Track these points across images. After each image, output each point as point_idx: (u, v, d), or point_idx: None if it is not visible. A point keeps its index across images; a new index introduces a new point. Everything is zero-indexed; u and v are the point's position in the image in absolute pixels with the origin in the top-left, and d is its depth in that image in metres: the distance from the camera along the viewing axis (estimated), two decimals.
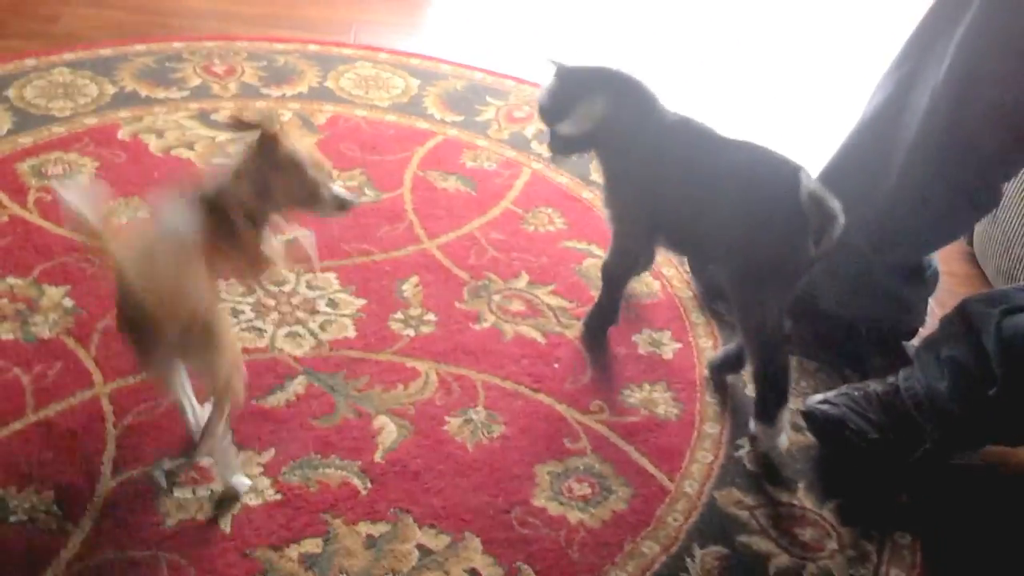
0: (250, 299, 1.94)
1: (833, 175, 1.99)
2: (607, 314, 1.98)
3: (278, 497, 1.60)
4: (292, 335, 1.89)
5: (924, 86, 1.91)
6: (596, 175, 2.43)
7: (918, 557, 1.66)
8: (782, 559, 1.63)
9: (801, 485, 1.76)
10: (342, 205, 1.62)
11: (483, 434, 1.76)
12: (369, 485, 1.64)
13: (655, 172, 1.77)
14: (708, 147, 1.76)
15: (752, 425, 1.81)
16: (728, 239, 1.71)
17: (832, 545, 1.66)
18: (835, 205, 1.61)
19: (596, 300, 1.99)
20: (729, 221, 1.69)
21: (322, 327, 1.91)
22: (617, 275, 1.95)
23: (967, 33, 1.83)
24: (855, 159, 2.02)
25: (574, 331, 2.00)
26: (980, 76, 1.82)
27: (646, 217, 1.83)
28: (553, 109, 1.82)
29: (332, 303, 1.97)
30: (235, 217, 1.51)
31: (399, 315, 1.97)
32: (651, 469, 1.74)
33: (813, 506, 1.72)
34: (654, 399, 1.87)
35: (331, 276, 2.03)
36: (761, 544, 1.64)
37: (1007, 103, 1.82)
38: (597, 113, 1.76)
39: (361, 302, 1.98)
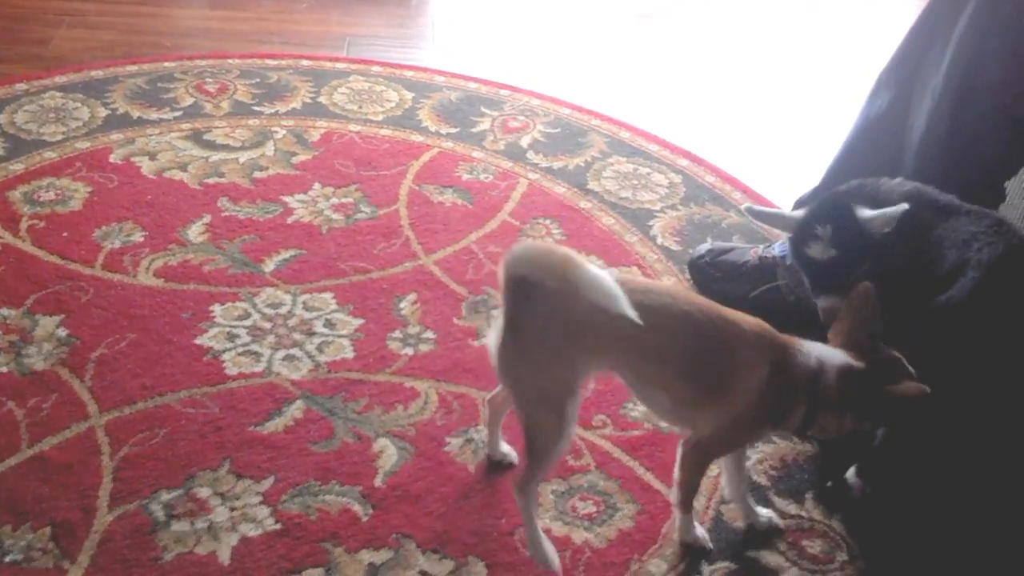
0: (246, 322, 1.92)
1: (838, 176, 1.96)
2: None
3: (277, 527, 1.57)
4: (289, 358, 1.86)
5: (924, 87, 1.89)
6: (593, 183, 2.41)
7: (931, 564, 1.63)
8: (791, 573, 1.59)
9: (809, 496, 1.73)
10: None
11: (485, 454, 1.73)
12: (370, 511, 1.61)
13: None
14: None
15: (851, 475, 1.73)
16: None
17: (842, 556, 1.63)
18: None
19: None
20: None
21: (320, 349, 1.89)
22: None
23: (964, 32, 1.80)
24: (861, 159, 1.99)
25: None
26: (979, 75, 1.79)
27: None
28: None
29: (329, 324, 1.95)
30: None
31: (397, 334, 1.94)
32: (657, 485, 1.71)
33: (822, 517, 1.69)
34: None
35: (328, 296, 2.01)
36: (770, 558, 1.61)
37: (1007, 100, 1.79)
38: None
39: (359, 322, 1.96)
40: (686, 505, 1.59)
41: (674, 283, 1.47)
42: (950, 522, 1.69)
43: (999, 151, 1.84)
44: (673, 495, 1.59)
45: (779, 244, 2.12)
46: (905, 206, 1.65)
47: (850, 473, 1.71)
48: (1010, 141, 1.83)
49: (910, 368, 1.43)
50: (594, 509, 1.66)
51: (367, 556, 1.54)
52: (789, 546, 1.63)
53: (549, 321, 1.42)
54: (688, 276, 2.16)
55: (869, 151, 2.01)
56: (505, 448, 1.71)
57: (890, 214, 1.66)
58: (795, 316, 1.93)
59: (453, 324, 1.99)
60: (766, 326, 1.49)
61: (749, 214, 1.86)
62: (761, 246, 2.15)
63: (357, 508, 1.61)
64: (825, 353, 1.47)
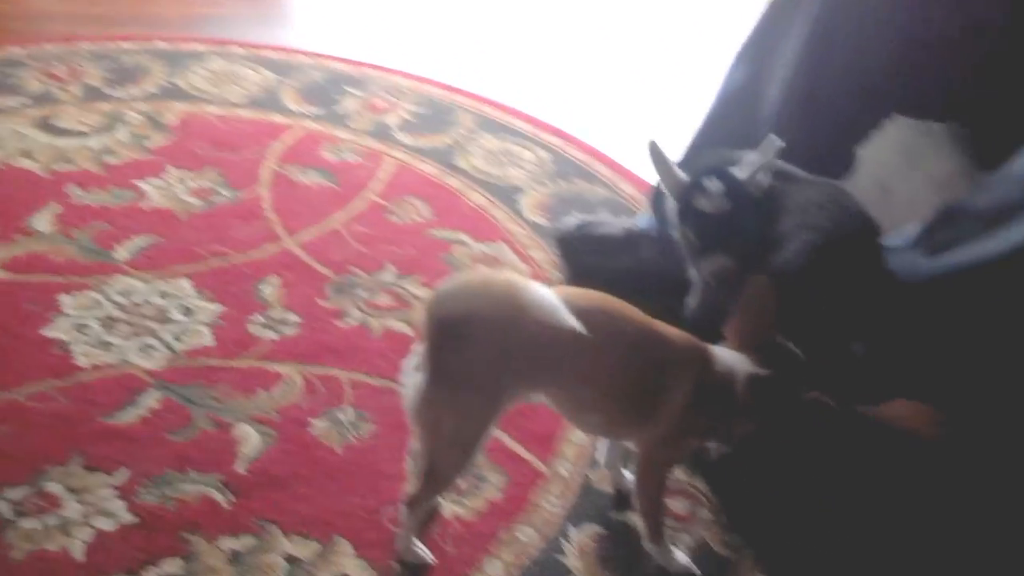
0: (98, 312, 1.85)
1: (701, 148, 1.99)
2: None
3: (134, 520, 1.52)
4: (144, 347, 1.80)
5: (782, 58, 1.92)
6: (461, 161, 2.40)
7: (794, 519, 1.68)
8: None
9: None
10: None
11: (352, 434, 1.70)
12: (231, 498, 1.57)
13: None
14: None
15: None
16: None
17: (705, 514, 1.66)
18: None
19: None
20: None
21: (177, 337, 1.83)
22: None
23: (824, 1, 1.84)
24: (721, 132, 2.02)
25: None
26: (836, 40, 1.83)
27: None
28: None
29: (187, 310, 1.89)
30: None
31: (259, 318, 1.90)
32: (525, 454, 1.71)
33: (685, 476, 1.71)
34: None
35: (185, 282, 1.95)
36: (636, 520, 1.62)
37: (861, 65, 1.84)
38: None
39: (218, 307, 1.91)
40: (656, 535, 1.54)
41: (603, 295, 1.42)
42: (807, 478, 1.74)
43: (851, 116, 1.90)
44: (641, 529, 1.55)
45: (645, 217, 2.15)
46: (777, 143, 1.66)
47: None
48: (861, 105, 1.89)
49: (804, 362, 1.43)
50: (463, 483, 1.65)
51: (228, 543, 1.50)
52: None
53: (481, 358, 1.34)
54: (556, 251, 2.18)
55: (729, 124, 2.04)
56: None
57: (765, 164, 1.67)
58: (661, 288, 1.96)
59: (318, 306, 1.95)
60: (690, 339, 1.45)
61: (652, 151, 1.81)
62: (627, 219, 2.17)
63: (217, 496, 1.57)
64: (733, 361, 1.44)
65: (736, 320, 1.46)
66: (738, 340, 1.46)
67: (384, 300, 1.99)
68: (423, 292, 2.02)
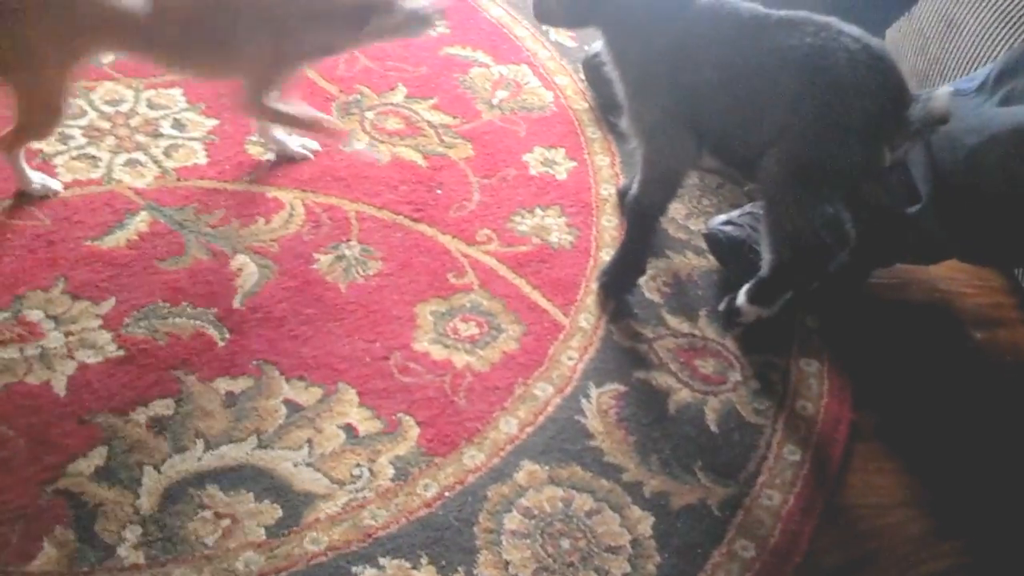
0: (80, 122, 1.68)
1: None
2: (635, 262, 1.61)
3: (120, 353, 1.40)
4: (132, 163, 1.64)
5: None
6: None
7: (825, 385, 1.57)
8: (683, 394, 1.51)
9: (703, 313, 1.63)
10: None
11: (357, 272, 1.57)
12: (227, 335, 1.45)
13: (690, 62, 1.44)
14: (754, 27, 1.42)
15: (741, 298, 1.58)
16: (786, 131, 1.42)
17: (735, 377, 1.55)
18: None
19: (620, 245, 1.63)
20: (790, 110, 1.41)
21: (167, 153, 1.67)
22: (653, 209, 1.58)
23: None
24: None
25: (458, 152, 1.79)
26: None
27: (685, 121, 1.48)
28: None
29: (178, 124, 1.72)
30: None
31: (257, 137, 1.73)
32: (544, 303, 1.59)
33: (715, 336, 1.60)
34: (547, 225, 1.70)
35: (176, 92, 1.77)
36: (660, 379, 1.53)
37: None
38: None
39: (213, 123, 1.74)
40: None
41: None
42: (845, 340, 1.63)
43: None
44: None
45: None
46: None
47: (740, 298, 1.60)
48: None
49: None
50: (476, 331, 1.53)
51: (224, 385, 1.39)
52: (681, 366, 1.55)
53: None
54: (582, 76, 2.00)
55: None
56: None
57: None
58: None
59: None
60: None
61: None
62: None
63: (212, 332, 1.45)
64: None
65: None
66: None
67: (393, 124, 1.82)
68: (437, 117, 1.85)
